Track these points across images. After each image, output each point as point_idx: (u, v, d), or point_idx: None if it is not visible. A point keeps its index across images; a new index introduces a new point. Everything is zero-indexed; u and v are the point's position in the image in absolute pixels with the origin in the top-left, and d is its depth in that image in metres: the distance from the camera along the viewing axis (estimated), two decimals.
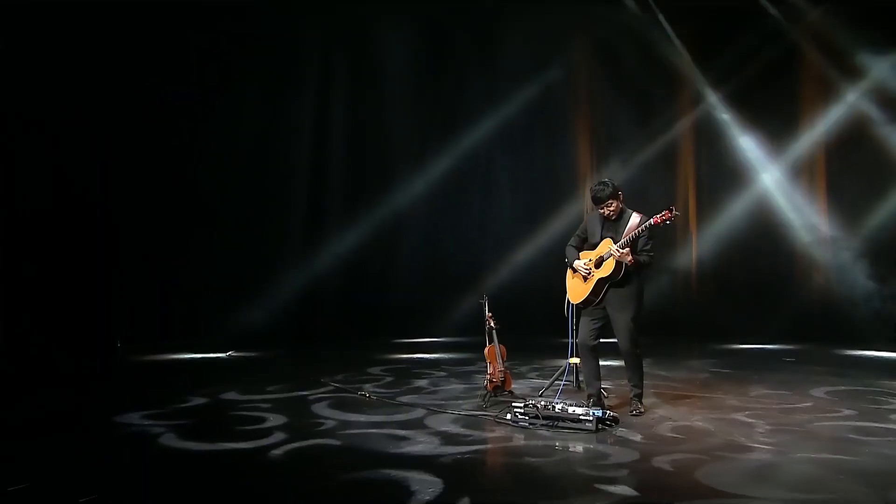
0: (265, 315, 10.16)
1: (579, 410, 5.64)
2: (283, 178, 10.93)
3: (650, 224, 5.80)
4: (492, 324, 6.89)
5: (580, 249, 6.25)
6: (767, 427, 5.80)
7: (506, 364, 6.80)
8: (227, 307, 10.09)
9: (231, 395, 6.94)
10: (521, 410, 5.78)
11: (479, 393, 6.87)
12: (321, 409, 6.40)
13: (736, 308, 11.09)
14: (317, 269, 10.75)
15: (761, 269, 11.33)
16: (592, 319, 6.13)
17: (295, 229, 10.96)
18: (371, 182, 11.27)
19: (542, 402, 5.79)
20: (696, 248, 11.82)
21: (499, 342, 6.81)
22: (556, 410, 5.69)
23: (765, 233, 11.32)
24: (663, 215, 5.74)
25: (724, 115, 11.51)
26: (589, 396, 6.26)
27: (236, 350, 9.63)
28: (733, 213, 11.47)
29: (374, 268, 11.21)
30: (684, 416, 6.14)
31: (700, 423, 5.91)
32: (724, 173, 11.59)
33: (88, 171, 8.64)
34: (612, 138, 11.78)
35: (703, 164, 11.84)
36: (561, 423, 5.62)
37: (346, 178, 11.19)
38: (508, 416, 5.85)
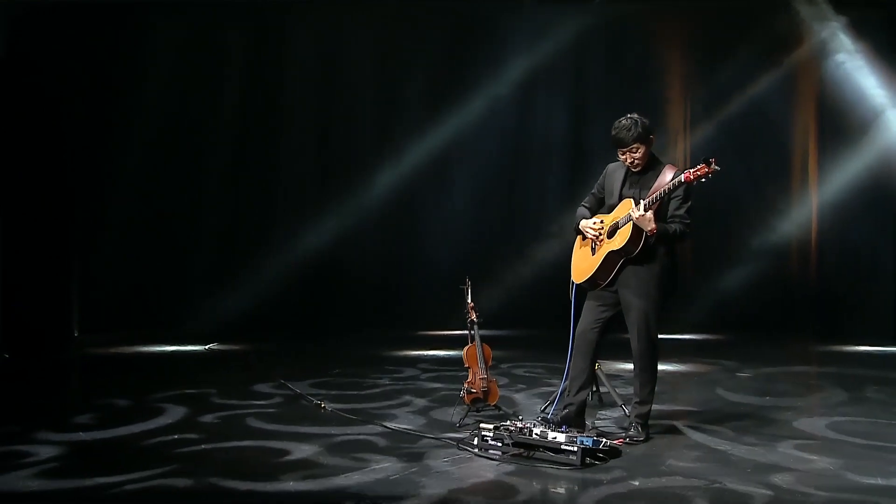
0: (251, 303, 9.86)
1: (562, 437, 4.81)
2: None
3: (681, 181, 4.96)
4: (473, 316, 6.05)
5: (594, 212, 5.46)
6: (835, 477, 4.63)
7: (490, 370, 5.93)
8: (210, 294, 9.90)
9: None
10: (491, 435, 5.02)
11: (454, 407, 5.96)
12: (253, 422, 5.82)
13: (859, 296, 10.05)
14: (303, 253, 10.25)
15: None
16: (600, 305, 5.32)
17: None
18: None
19: (519, 425, 5.01)
20: (817, 217, 10.54)
21: (481, 341, 5.94)
22: (534, 436, 4.90)
23: None
24: (698, 170, 4.92)
25: (853, 46, 10.10)
26: (565, 407, 5.37)
27: (219, 342, 9.29)
28: (862, 170, 10.08)
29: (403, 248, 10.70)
30: (714, 451, 5.13)
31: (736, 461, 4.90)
32: (852, 122, 10.17)
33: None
34: (706, 82, 10.53)
35: (827, 110, 10.43)
36: (538, 454, 4.85)
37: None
38: (476, 442, 5.08)
